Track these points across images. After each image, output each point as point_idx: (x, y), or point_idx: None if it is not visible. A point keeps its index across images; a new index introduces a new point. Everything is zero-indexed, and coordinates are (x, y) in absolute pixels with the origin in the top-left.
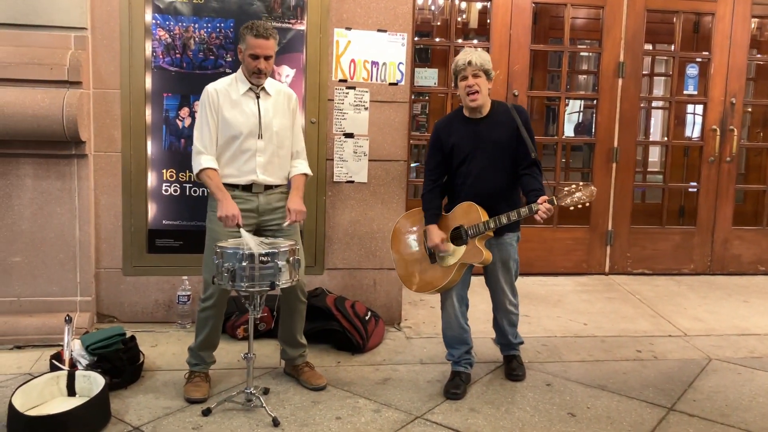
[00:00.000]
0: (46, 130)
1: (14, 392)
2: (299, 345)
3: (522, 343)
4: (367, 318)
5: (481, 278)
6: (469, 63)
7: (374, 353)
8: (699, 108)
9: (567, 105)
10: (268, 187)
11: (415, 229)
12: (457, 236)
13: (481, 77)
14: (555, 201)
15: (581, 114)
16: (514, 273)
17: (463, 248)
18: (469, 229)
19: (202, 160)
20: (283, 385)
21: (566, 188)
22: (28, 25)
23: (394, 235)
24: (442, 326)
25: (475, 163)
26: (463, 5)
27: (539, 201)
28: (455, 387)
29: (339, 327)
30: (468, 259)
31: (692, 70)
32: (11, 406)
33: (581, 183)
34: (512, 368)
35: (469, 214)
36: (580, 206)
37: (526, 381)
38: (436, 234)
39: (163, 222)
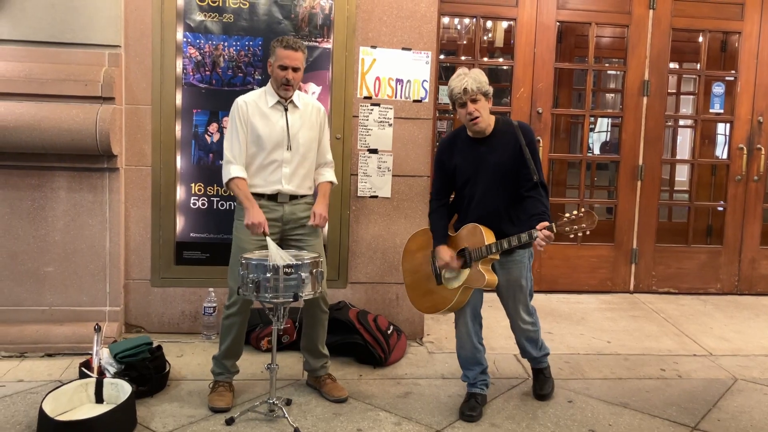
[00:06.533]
0: (80, 144)
1: (45, 398)
2: (321, 355)
3: (548, 353)
4: (389, 332)
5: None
6: (465, 91)
7: (396, 367)
8: (726, 127)
9: (593, 123)
10: (293, 197)
11: (423, 248)
12: (462, 257)
13: (480, 101)
14: (554, 228)
15: (608, 133)
16: (528, 291)
17: (467, 272)
18: (473, 252)
19: (232, 169)
20: (305, 396)
21: (566, 215)
22: (65, 43)
23: (404, 255)
24: (456, 345)
25: (478, 186)
26: (489, 24)
27: (538, 227)
28: (471, 409)
29: (361, 340)
30: (471, 284)
31: (718, 89)
32: (42, 411)
33: (583, 210)
34: (539, 386)
35: (473, 236)
36: (580, 234)
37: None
38: (444, 252)
39: (191, 235)
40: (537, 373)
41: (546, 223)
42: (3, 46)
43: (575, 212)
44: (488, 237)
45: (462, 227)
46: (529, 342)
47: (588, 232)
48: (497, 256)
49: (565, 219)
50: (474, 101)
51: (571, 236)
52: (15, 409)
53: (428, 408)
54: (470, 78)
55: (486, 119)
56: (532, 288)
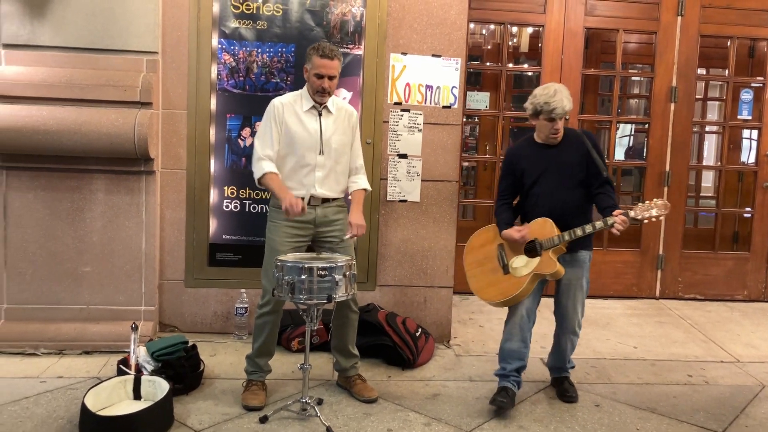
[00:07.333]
0: (118, 147)
1: (86, 393)
2: (351, 355)
3: (573, 367)
4: (417, 334)
5: (545, 300)
6: (564, 113)
7: (424, 369)
8: (753, 133)
9: (617, 129)
10: (325, 200)
11: (489, 243)
12: (532, 249)
13: (563, 118)
14: (631, 214)
15: (632, 138)
16: (585, 292)
17: (537, 260)
18: (544, 242)
19: (264, 165)
20: (336, 396)
21: (641, 203)
22: (105, 50)
23: (468, 250)
24: (502, 338)
25: (546, 183)
26: (515, 29)
27: (615, 213)
28: (503, 397)
29: (390, 342)
30: (541, 270)
31: (747, 95)
32: (84, 406)
33: (656, 199)
34: (565, 389)
35: (543, 228)
36: (653, 219)
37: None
38: (513, 230)
39: (224, 237)
40: (562, 381)
41: (621, 210)
42: (45, 52)
43: (648, 201)
44: (557, 230)
45: (532, 221)
46: (570, 350)
47: (662, 218)
48: (564, 248)
49: (640, 206)
50: (561, 118)
51: (645, 222)
52: (56, 404)
53: (457, 409)
54: (567, 100)
55: (563, 132)
56: (588, 289)
